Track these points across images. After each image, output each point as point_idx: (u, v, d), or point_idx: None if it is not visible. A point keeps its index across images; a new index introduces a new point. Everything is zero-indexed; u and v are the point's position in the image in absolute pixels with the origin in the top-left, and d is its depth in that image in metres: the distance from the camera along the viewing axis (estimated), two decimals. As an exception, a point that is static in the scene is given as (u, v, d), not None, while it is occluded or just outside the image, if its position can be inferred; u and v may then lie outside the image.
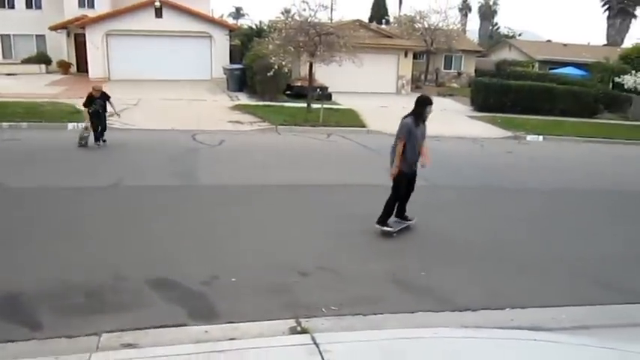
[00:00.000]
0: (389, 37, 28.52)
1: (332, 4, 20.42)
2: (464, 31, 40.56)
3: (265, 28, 27.27)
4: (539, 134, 18.06)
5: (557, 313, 5.21)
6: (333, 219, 7.80)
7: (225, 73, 25.47)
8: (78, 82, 24.52)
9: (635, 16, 51.60)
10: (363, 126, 17.43)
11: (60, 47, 28.84)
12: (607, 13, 52.36)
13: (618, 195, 10.49)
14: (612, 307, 5.48)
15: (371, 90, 26.40)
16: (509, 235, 7.66)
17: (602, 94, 24.67)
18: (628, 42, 47.81)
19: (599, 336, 4.72)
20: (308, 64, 18.78)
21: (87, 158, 10.82)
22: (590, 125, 20.95)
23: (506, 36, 56.81)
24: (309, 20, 17.70)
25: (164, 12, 26.56)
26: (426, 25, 32.52)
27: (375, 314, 4.90)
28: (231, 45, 28.59)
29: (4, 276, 5.25)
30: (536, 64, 36.84)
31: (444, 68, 35.81)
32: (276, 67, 18.02)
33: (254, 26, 31.19)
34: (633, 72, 26.24)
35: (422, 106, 7.09)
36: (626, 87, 25.68)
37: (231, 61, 27.60)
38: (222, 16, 54.06)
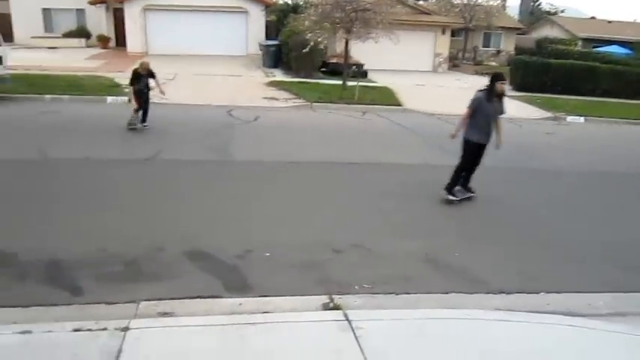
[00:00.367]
0: (426, 13, 27.96)
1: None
2: (504, 7, 39.30)
3: (301, 3, 27.05)
4: (580, 115, 17.51)
5: (594, 299, 5.10)
6: (367, 197, 7.78)
7: (260, 49, 25.45)
8: (116, 57, 24.90)
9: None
10: (399, 104, 17.22)
11: (99, 21, 29.24)
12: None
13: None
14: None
15: (407, 68, 26.03)
16: (547, 218, 7.50)
17: (647, 74, 23.68)
18: (678, 20, 45.67)
19: (636, 324, 4.61)
20: (344, 40, 18.55)
21: (125, 131, 11.01)
22: (634, 106, 20.17)
23: (548, 12, 54.93)
24: (346, -4, 17.45)
25: (201, -13, 26.58)
26: (465, 1, 31.72)
27: (407, 293, 4.89)
28: (266, 21, 28.50)
29: (47, 244, 5.43)
30: (579, 42, 35.59)
31: (483, 46, 34.99)
32: (311, 43, 17.90)
33: (290, 2, 30.94)
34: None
35: (492, 82, 7.35)
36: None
37: (267, 37, 27.54)
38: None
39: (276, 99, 16.76)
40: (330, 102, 16.47)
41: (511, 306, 4.81)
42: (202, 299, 4.53)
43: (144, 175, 8.27)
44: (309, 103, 16.32)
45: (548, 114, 17.61)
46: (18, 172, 8.01)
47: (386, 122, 14.49)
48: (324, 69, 22.86)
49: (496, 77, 7.36)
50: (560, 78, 21.86)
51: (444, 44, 27.78)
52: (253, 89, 18.26)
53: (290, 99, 16.92)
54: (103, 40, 28.62)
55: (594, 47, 32.91)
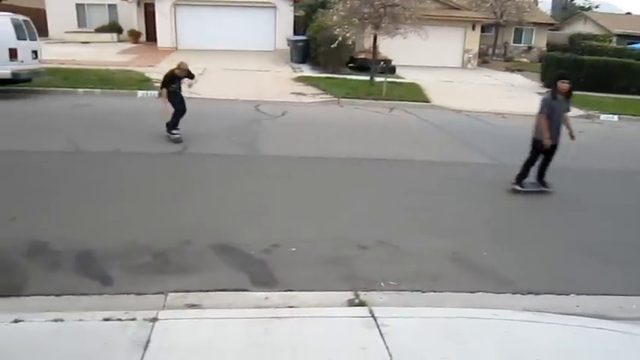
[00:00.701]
0: (456, 8, 27.59)
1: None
2: (536, 2, 38.58)
3: (330, -1, 26.99)
4: (614, 113, 17.10)
5: (626, 302, 4.97)
6: (394, 193, 7.74)
7: (288, 45, 25.50)
8: (147, 51, 25.27)
9: None
10: (427, 101, 17.08)
11: (130, 16, 29.69)
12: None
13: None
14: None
15: (436, 64, 25.78)
16: (577, 218, 7.35)
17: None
18: None
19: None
20: (372, 36, 18.48)
21: (155, 125, 11.16)
22: (671, 105, 19.62)
23: (582, 8, 53.59)
24: (374, -9, 17.35)
25: (230, -18, 26.75)
26: (496, -4, 31.20)
27: (434, 292, 4.86)
28: (295, 16, 28.51)
29: (78, 234, 5.54)
30: (614, 39, 34.68)
31: (514, 42, 34.42)
32: (339, 38, 17.89)
33: (318, -3, 30.89)
34: None
35: (555, 82, 7.95)
36: None
37: (295, 32, 27.57)
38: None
39: (304, 94, 16.79)
40: (358, 98, 16.44)
41: (539, 307, 4.72)
42: (229, 292, 4.57)
43: (172, 169, 8.38)
44: (336, 99, 16.31)
45: (581, 112, 17.23)
46: (51, 163, 8.21)
47: (413, 118, 14.38)
48: (351, 65, 22.79)
49: (559, 77, 7.92)
50: (593, 75, 21.35)
51: (473, 40, 27.42)
52: (281, 84, 18.32)
53: (317, 94, 16.94)
54: (134, 35, 29.06)
55: (629, 44, 32.04)
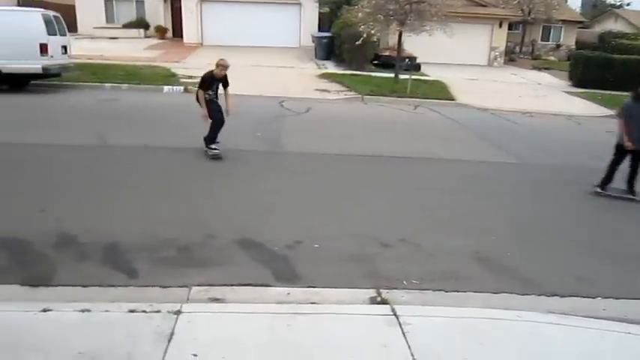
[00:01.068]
0: (483, 5, 27.25)
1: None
2: None
3: (355, -5, 26.90)
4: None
5: (655, 307, 4.87)
6: (418, 192, 7.70)
7: (313, 41, 25.51)
8: (174, 47, 25.56)
9: None
10: (452, 99, 16.94)
11: (157, 12, 30.05)
12: None
13: None
14: None
15: (461, 62, 25.53)
16: (606, 220, 7.23)
17: None
18: None
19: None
20: (397, 33, 18.38)
21: (180, 120, 11.28)
22: None
23: (613, 5, 52.53)
24: (400, -12, 17.25)
25: (256, -21, 26.87)
26: (524, -7, 30.72)
27: (457, 291, 4.82)
28: (320, 13, 28.50)
29: (105, 227, 5.64)
30: (646, 38, 33.88)
31: (542, 40, 33.83)
32: (364, 35, 17.83)
33: (343, -6, 30.83)
34: None
35: (636, 86, 8.09)
36: None
37: (320, 29, 27.57)
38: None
39: (328, 91, 16.79)
40: (382, 95, 16.38)
41: (564, 309, 4.65)
42: (252, 287, 4.61)
43: (198, 164, 8.46)
44: (360, 96, 16.28)
45: (610, 112, 16.88)
46: (79, 157, 8.36)
47: (438, 116, 14.28)
48: (376, 62, 22.70)
49: None
50: (624, 74, 20.86)
51: (500, 37, 27.07)
52: (305, 81, 18.35)
53: (342, 91, 16.92)
54: (160, 31, 29.40)
55: (662, 42, 31.25)
